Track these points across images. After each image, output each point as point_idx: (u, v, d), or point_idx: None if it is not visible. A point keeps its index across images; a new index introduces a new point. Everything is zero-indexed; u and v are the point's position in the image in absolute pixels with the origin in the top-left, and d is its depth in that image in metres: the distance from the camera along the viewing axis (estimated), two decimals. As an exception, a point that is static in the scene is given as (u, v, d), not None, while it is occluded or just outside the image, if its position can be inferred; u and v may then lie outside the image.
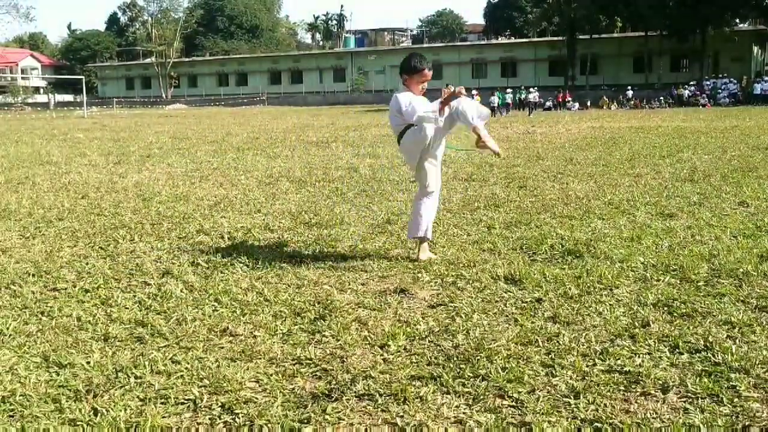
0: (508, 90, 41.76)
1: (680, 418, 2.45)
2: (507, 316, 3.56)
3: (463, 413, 2.52)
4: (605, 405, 2.54)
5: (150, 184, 8.91)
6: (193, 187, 8.60)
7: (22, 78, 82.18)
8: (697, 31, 48.78)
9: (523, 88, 44.53)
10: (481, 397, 2.63)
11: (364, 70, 68.26)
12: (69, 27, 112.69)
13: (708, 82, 45.15)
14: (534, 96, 40.85)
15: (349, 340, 3.24)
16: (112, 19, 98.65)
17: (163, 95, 72.57)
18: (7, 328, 3.46)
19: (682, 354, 2.99)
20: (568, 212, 6.39)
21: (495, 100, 36.52)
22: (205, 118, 35.42)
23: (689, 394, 2.62)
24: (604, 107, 42.89)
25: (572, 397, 2.61)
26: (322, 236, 5.50)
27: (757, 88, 41.21)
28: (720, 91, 43.02)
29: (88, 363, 3.00)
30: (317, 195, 7.78)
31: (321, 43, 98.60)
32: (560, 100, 45.98)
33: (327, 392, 2.71)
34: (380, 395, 2.66)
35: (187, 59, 79.46)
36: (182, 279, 4.34)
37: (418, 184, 4.81)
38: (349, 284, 4.17)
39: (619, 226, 5.67)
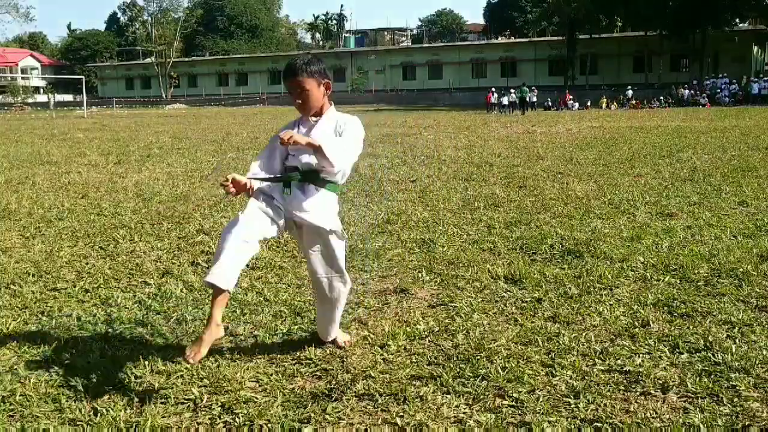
0: (512, 90, 41.60)
1: (680, 418, 2.45)
2: (507, 316, 3.56)
3: (463, 413, 2.52)
4: (605, 405, 2.54)
5: (150, 184, 8.90)
6: (193, 187, 8.60)
7: (22, 78, 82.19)
8: (697, 31, 48.80)
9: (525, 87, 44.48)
10: (481, 397, 2.63)
11: (363, 69, 68.31)
12: (69, 27, 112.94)
13: (708, 82, 45.15)
14: (506, 98, 39.45)
15: (349, 340, 3.24)
16: (112, 19, 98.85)
17: (163, 95, 72.57)
18: (7, 328, 3.46)
19: (682, 354, 2.99)
20: (568, 212, 6.39)
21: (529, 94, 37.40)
22: (205, 118, 35.39)
23: (689, 394, 2.62)
24: (604, 106, 42.82)
25: (572, 397, 2.61)
26: (322, 236, 5.49)
27: (755, 88, 41.21)
28: (720, 90, 43.02)
29: (88, 363, 3.00)
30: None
31: (321, 42, 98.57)
32: (563, 102, 45.83)
33: (327, 392, 2.71)
34: (380, 395, 2.66)
35: (187, 59, 79.49)
36: (182, 279, 4.35)
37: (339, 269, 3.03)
38: (349, 284, 4.16)
39: (619, 226, 5.67)
